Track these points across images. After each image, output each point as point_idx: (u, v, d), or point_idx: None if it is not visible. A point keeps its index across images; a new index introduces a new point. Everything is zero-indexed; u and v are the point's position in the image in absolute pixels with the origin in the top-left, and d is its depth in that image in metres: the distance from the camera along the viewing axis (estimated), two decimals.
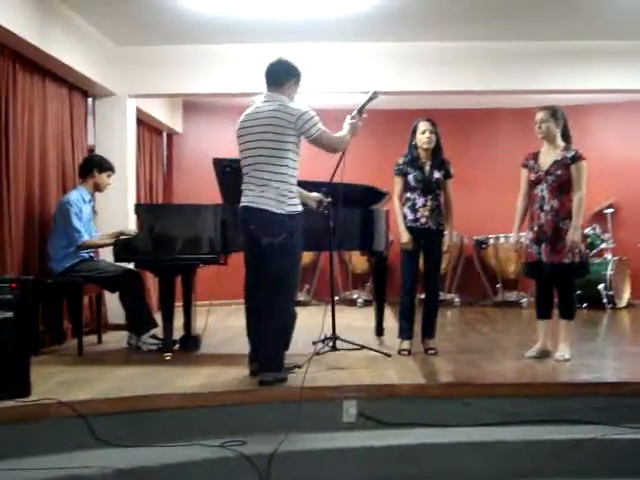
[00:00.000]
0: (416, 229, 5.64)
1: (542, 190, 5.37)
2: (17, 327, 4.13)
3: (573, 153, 5.34)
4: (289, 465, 3.99)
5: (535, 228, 5.40)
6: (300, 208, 4.62)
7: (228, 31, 7.22)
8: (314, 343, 5.26)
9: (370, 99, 5.15)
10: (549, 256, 5.32)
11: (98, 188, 6.43)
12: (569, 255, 5.28)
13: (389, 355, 5.05)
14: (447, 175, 5.72)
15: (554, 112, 5.37)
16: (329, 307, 5.69)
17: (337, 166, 5.18)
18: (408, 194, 5.70)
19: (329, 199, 5.23)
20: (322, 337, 5.39)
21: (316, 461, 4.09)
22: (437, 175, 5.67)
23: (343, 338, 5.19)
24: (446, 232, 5.72)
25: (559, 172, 5.31)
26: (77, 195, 6.22)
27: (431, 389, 4.57)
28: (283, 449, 4.02)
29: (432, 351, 5.66)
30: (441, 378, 4.91)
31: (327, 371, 4.86)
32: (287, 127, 4.51)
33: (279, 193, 4.50)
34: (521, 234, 5.60)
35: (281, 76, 4.70)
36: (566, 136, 5.45)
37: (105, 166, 6.39)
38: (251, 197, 4.58)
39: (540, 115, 5.39)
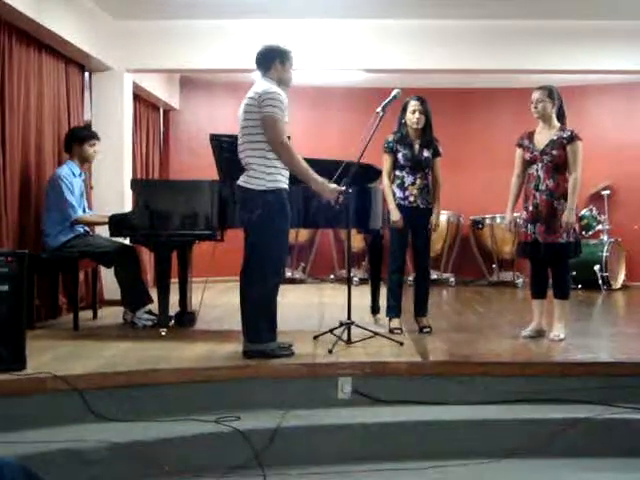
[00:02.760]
0: (405, 207, 5.64)
1: (537, 170, 5.36)
2: (12, 301, 4.13)
3: (569, 133, 5.34)
4: (283, 441, 3.99)
5: (530, 208, 5.39)
6: (282, 185, 4.64)
7: (227, 6, 7.16)
8: (315, 337, 5.21)
9: (394, 97, 5.30)
10: (544, 236, 5.32)
11: (85, 159, 6.36)
12: (564, 235, 5.29)
13: (402, 343, 5.03)
14: (435, 154, 5.73)
15: (550, 92, 5.36)
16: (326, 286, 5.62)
17: (367, 144, 5.11)
18: (397, 172, 5.71)
19: (347, 191, 5.01)
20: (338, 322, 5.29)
21: (310, 437, 4.10)
22: (426, 154, 5.68)
23: (358, 324, 5.14)
24: (434, 211, 5.71)
25: (555, 152, 5.30)
26: (67, 170, 6.18)
27: (426, 367, 4.59)
28: (277, 425, 4.03)
29: (427, 329, 5.67)
30: (436, 356, 4.91)
31: (322, 348, 4.86)
32: (254, 106, 4.61)
33: (259, 171, 4.61)
34: (515, 214, 5.60)
35: (265, 60, 4.77)
36: (561, 116, 5.45)
37: (82, 136, 6.33)
38: (240, 178, 4.72)
39: (536, 94, 5.37)
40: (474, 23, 7.60)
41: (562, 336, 5.35)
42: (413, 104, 5.63)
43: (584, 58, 7.80)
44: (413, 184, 5.65)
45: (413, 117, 5.62)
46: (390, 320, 5.72)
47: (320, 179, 4.75)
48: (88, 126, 6.44)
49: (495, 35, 7.71)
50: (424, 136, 5.69)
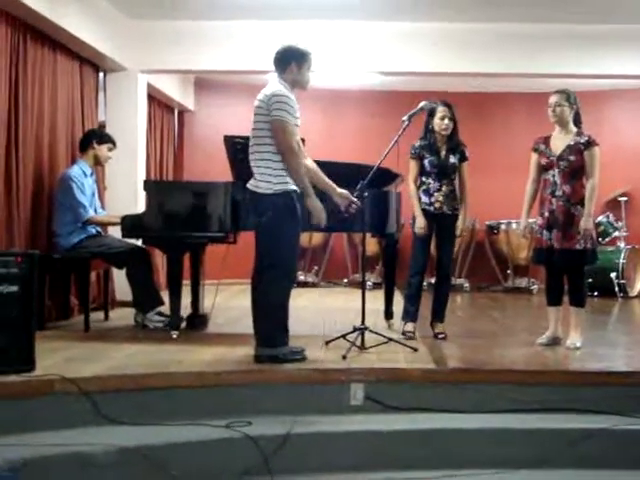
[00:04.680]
0: (430, 213, 5.60)
1: (554, 175, 5.29)
2: (22, 301, 4.09)
3: (586, 138, 5.27)
4: (294, 447, 3.93)
5: (546, 214, 5.31)
6: (291, 187, 4.57)
7: (243, 7, 7.13)
8: (327, 343, 5.12)
9: (420, 109, 5.34)
10: (560, 242, 5.24)
11: (98, 161, 6.37)
12: (581, 242, 5.21)
13: (416, 350, 4.97)
14: (462, 158, 5.67)
15: (568, 96, 5.29)
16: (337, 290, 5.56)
17: (389, 150, 5.09)
18: (423, 178, 5.67)
19: (358, 201, 4.92)
20: (352, 327, 5.21)
21: (321, 444, 4.03)
22: (452, 160, 5.63)
23: (371, 329, 5.09)
24: (460, 216, 5.67)
25: (572, 157, 5.23)
26: (77, 169, 6.17)
27: (440, 374, 4.51)
28: (288, 431, 3.97)
29: (442, 335, 5.61)
30: (450, 363, 4.83)
31: (334, 354, 4.80)
32: (263, 108, 4.56)
33: (266, 174, 4.56)
34: (530, 220, 5.53)
35: (281, 61, 4.70)
36: (578, 121, 5.37)
37: (105, 138, 6.35)
38: (250, 181, 4.69)
39: (555, 98, 5.30)
40: (491, 26, 7.55)
41: (578, 344, 5.26)
42: (441, 110, 5.57)
43: (601, 63, 7.74)
44: (439, 190, 5.60)
45: (442, 123, 5.57)
46: (405, 324, 5.68)
47: (331, 184, 4.72)
48: (105, 131, 6.48)
49: (512, 39, 7.65)
50: (451, 142, 5.64)
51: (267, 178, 4.55)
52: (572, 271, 5.35)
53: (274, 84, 4.65)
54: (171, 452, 3.80)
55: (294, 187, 4.60)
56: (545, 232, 5.31)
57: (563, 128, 5.33)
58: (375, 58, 7.79)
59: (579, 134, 5.30)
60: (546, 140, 5.40)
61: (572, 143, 5.26)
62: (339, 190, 4.85)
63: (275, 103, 4.51)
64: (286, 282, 4.66)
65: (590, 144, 5.24)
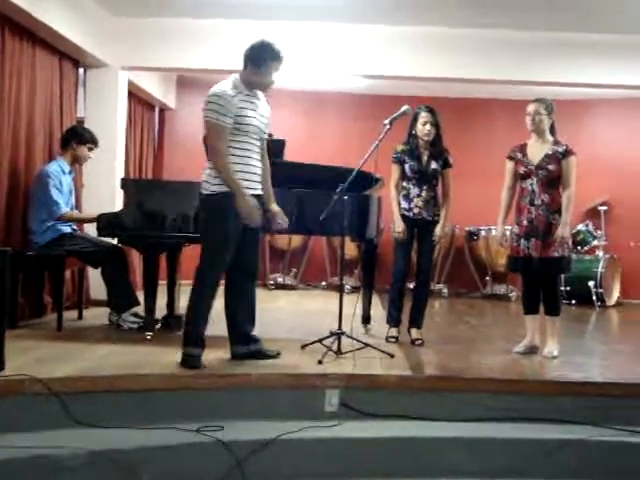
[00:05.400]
0: (409, 218, 5.58)
1: (532, 184, 5.28)
2: None
3: (564, 147, 5.29)
4: (267, 453, 3.88)
5: (525, 222, 5.30)
6: (223, 189, 4.44)
7: (226, 6, 7.06)
8: (303, 347, 5.09)
9: (403, 113, 5.28)
10: (540, 251, 5.24)
11: (77, 160, 6.30)
12: (559, 250, 5.21)
13: (392, 356, 4.92)
14: (445, 165, 5.64)
15: (547, 105, 5.31)
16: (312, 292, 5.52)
17: (370, 153, 5.04)
18: (404, 183, 5.66)
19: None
20: (329, 332, 5.15)
21: (295, 450, 3.99)
22: (434, 165, 5.60)
23: (348, 334, 5.03)
24: (439, 223, 5.63)
25: (551, 167, 5.23)
26: (56, 166, 6.09)
27: (416, 382, 4.48)
28: (261, 436, 3.92)
29: (418, 342, 5.59)
30: (427, 370, 4.80)
31: (310, 358, 4.75)
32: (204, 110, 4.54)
33: (206, 174, 4.54)
34: (506, 227, 5.51)
35: (244, 57, 4.61)
36: (552, 131, 5.38)
37: (85, 138, 6.24)
38: None
39: (534, 107, 5.29)
40: (475, 32, 7.52)
41: (556, 353, 5.26)
42: (424, 116, 5.53)
43: (585, 72, 7.74)
44: (419, 196, 5.58)
45: (424, 129, 5.53)
46: (389, 328, 5.70)
47: (244, 196, 4.44)
48: (88, 130, 6.36)
49: (496, 45, 7.63)
50: (433, 147, 5.60)
51: (207, 179, 4.52)
52: (549, 279, 5.34)
53: (222, 82, 4.58)
54: (142, 456, 3.75)
55: (224, 189, 4.45)
56: (523, 241, 5.29)
57: (539, 137, 5.34)
58: (358, 61, 7.74)
59: (556, 143, 5.32)
60: (522, 148, 5.39)
61: (550, 152, 5.27)
62: (250, 203, 4.50)
63: (206, 103, 4.50)
64: (206, 288, 4.50)
65: (568, 153, 5.27)
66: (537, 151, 5.32)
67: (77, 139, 6.21)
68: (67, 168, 6.17)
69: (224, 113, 4.43)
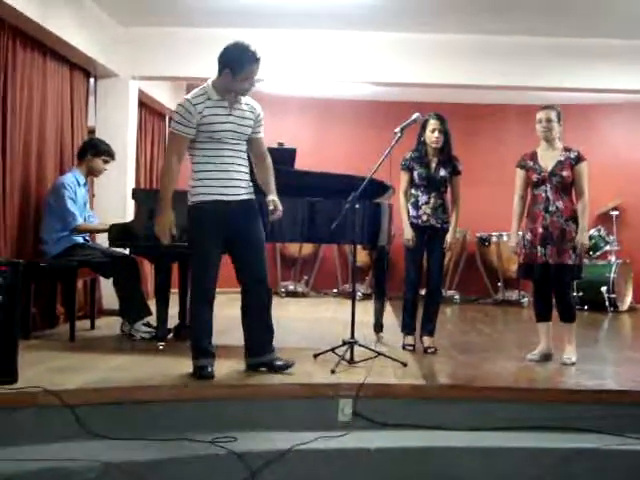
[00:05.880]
0: (418, 226, 5.57)
1: (546, 191, 5.27)
2: (5, 312, 3.99)
3: (576, 153, 5.28)
4: (281, 464, 3.86)
5: (539, 229, 5.27)
6: (201, 198, 4.40)
7: (235, 15, 7.08)
8: (315, 356, 5.06)
9: (413, 121, 5.25)
10: (555, 257, 5.21)
11: (92, 172, 6.32)
12: (573, 256, 5.20)
13: (405, 364, 4.91)
14: (454, 172, 5.63)
15: (558, 113, 5.31)
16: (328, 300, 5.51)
17: (381, 161, 5.03)
18: (412, 190, 5.65)
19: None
20: (341, 341, 5.13)
21: (308, 460, 3.96)
22: (443, 173, 5.59)
23: (361, 343, 5.02)
24: (451, 230, 5.63)
25: (564, 173, 5.23)
26: (71, 178, 6.11)
27: (430, 390, 4.45)
28: (275, 447, 3.91)
29: (431, 350, 5.56)
30: (440, 379, 4.78)
31: (323, 367, 4.73)
32: None
33: (189, 186, 4.48)
34: (520, 233, 5.49)
35: (218, 63, 4.43)
36: (560, 137, 5.38)
37: (101, 150, 6.26)
38: None
39: (545, 114, 5.28)
40: (485, 38, 7.52)
41: (574, 359, 5.23)
42: (433, 123, 5.53)
43: (595, 76, 7.71)
44: (427, 203, 5.57)
45: (433, 136, 5.53)
46: (405, 336, 5.70)
47: (161, 211, 4.44)
48: (105, 143, 6.36)
49: (506, 51, 7.62)
50: (442, 154, 5.59)
51: (190, 190, 4.47)
52: (563, 286, 5.32)
53: (196, 91, 4.48)
54: (155, 468, 3.72)
55: (206, 198, 4.40)
56: (539, 248, 5.26)
57: (549, 144, 5.33)
58: (367, 68, 7.74)
59: (567, 149, 5.31)
60: (533, 156, 5.38)
61: (562, 159, 5.26)
62: (162, 217, 4.46)
63: (172, 114, 4.46)
64: (196, 294, 4.51)
65: (580, 159, 5.27)
66: (549, 158, 5.31)
67: (93, 151, 6.24)
68: (82, 180, 6.20)
69: (183, 123, 4.37)
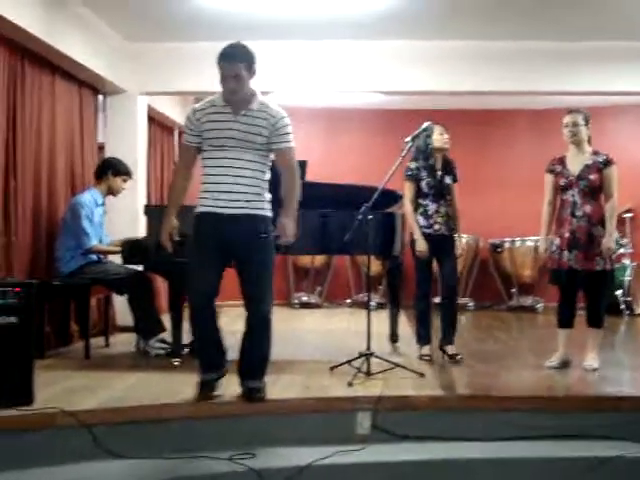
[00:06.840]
0: (431, 236, 5.54)
1: (573, 195, 5.23)
2: (21, 333, 3.99)
3: (604, 157, 5.25)
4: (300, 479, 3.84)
5: (566, 234, 5.23)
6: (198, 209, 4.33)
7: (242, 28, 7.03)
8: (332, 369, 5.03)
9: (424, 130, 5.31)
10: (582, 263, 5.17)
11: (112, 192, 6.31)
12: (601, 262, 5.15)
13: (423, 375, 4.87)
14: (455, 179, 5.68)
15: (584, 115, 5.28)
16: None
17: (393, 172, 5.02)
18: (420, 200, 5.61)
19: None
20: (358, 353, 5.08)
21: (328, 475, 3.93)
22: (447, 180, 5.63)
23: (377, 355, 4.99)
24: (457, 236, 5.66)
25: (592, 177, 5.19)
26: (89, 197, 6.11)
27: (448, 401, 4.43)
28: (294, 463, 3.88)
29: (459, 356, 5.54)
30: (458, 389, 4.73)
31: (340, 380, 4.70)
32: None
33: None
34: (548, 238, 5.43)
35: None
36: (589, 141, 5.33)
37: (121, 170, 6.27)
38: None
39: (572, 118, 5.26)
40: (493, 44, 7.47)
41: (596, 365, 5.19)
42: (439, 128, 5.56)
43: (609, 79, 7.62)
44: (437, 212, 5.56)
45: (443, 138, 5.56)
46: (421, 347, 5.65)
47: (164, 218, 4.46)
48: (123, 162, 6.35)
49: (514, 56, 7.56)
50: (445, 161, 5.61)
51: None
52: (593, 292, 5.27)
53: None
54: None
55: (205, 209, 4.28)
56: (566, 253, 5.22)
57: (578, 148, 5.29)
58: (374, 77, 7.70)
59: (596, 153, 5.28)
60: (561, 161, 5.34)
61: (590, 162, 5.23)
62: (162, 226, 4.53)
63: None
64: (193, 316, 4.38)
65: (608, 163, 5.23)
66: (577, 162, 5.27)
67: (113, 170, 6.24)
68: (100, 200, 6.20)
69: (186, 131, 4.37)
